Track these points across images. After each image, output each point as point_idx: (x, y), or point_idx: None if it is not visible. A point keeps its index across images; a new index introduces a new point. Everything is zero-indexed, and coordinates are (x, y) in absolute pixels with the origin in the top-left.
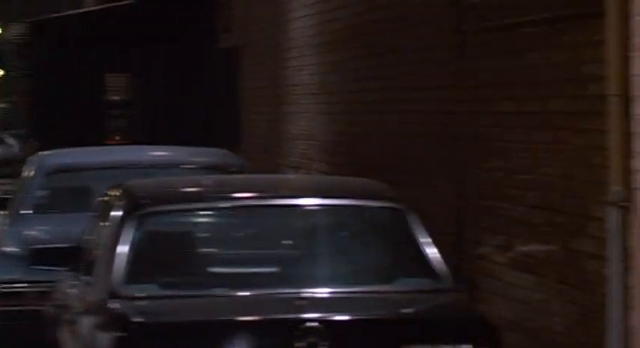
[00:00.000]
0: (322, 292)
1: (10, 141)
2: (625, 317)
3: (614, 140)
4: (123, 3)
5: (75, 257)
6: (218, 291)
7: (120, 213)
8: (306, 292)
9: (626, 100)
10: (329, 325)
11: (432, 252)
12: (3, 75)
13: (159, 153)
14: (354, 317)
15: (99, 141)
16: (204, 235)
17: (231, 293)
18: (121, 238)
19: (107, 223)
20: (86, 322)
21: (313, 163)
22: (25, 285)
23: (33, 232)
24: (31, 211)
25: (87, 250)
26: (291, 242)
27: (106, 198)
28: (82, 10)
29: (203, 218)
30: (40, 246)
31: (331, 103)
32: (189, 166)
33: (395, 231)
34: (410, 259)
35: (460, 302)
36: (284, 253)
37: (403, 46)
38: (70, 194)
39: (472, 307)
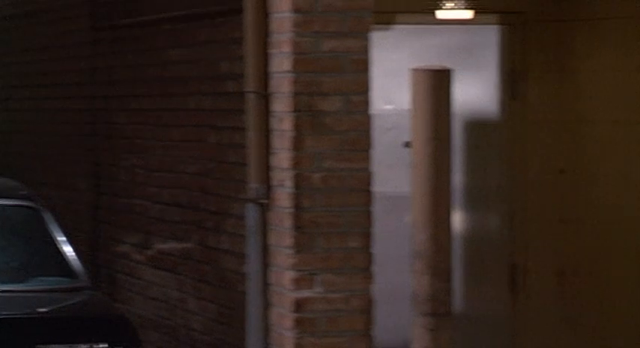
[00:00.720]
0: None
1: None
2: (264, 314)
3: (252, 137)
4: None
5: None
6: None
7: None
8: None
9: (264, 97)
10: None
11: (68, 250)
12: None
13: None
14: None
15: None
16: None
17: None
18: None
19: None
20: None
21: None
22: None
23: None
24: None
25: None
26: None
27: None
28: None
29: None
30: None
31: None
32: None
33: (30, 229)
34: (46, 257)
35: (97, 301)
36: None
37: (37, 43)
38: None
39: (109, 306)
